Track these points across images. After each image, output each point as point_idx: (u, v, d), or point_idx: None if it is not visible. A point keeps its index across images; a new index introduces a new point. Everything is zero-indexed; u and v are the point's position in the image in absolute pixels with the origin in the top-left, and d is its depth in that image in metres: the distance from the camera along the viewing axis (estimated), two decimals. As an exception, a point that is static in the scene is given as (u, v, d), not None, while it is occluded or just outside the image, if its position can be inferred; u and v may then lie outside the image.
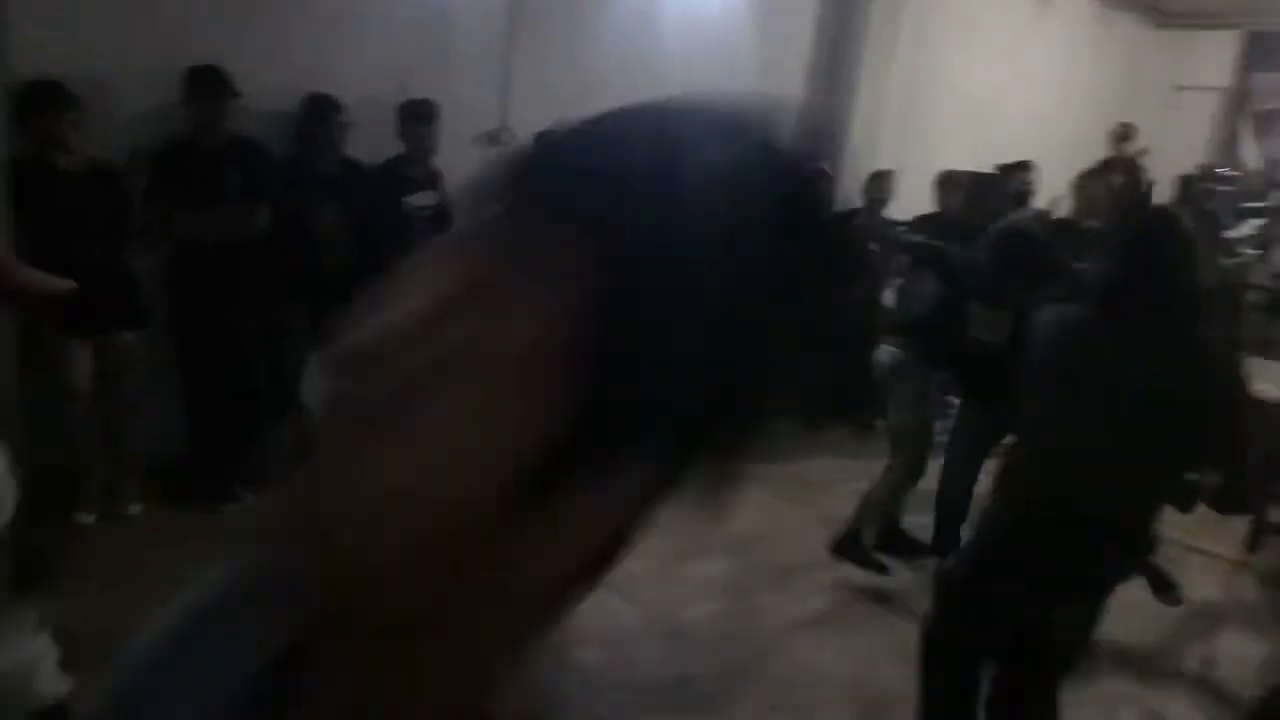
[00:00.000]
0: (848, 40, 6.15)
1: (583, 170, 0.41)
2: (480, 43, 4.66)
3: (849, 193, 6.00)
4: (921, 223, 5.43)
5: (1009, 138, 6.94)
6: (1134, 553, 2.34)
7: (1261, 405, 3.17)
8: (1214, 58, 8.65)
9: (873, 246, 5.37)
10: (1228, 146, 8.58)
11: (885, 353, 3.92)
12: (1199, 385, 2.08)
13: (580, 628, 3.12)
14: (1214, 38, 8.61)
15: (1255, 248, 6.58)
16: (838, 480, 4.98)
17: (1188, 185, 7.36)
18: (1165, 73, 8.96)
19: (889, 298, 5.29)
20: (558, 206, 0.39)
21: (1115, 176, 6.59)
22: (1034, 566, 2.21)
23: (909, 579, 3.83)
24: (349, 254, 3.92)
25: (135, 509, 3.67)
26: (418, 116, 4.19)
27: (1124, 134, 7.42)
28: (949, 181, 5.42)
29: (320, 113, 3.88)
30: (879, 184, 5.62)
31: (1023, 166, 5.72)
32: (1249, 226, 6.71)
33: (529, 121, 4.68)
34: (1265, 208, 6.83)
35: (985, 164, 6.59)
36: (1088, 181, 5.68)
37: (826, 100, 6.22)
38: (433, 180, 4.27)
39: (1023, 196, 5.58)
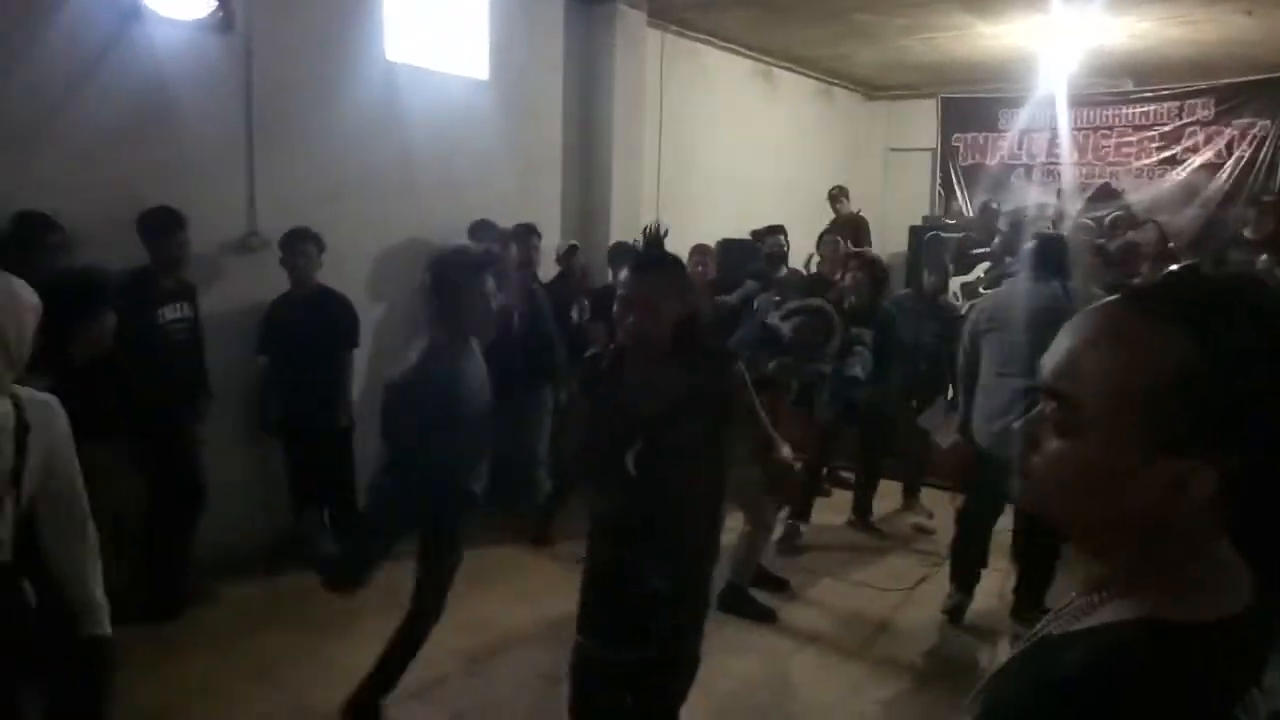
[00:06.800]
0: (597, 128, 6.37)
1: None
2: (218, 150, 4.43)
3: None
4: None
5: (755, 205, 7.42)
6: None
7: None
8: (919, 122, 9.72)
9: None
10: (944, 199, 9.59)
11: None
12: None
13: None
14: (917, 105, 9.70)
15: (987, 288, 7.31)
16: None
17: (918, 236, 8.14)
18: (880, 137, 9.97)
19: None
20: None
21: (844, 233, 7.25)
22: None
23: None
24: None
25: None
26: (162, 226, 3.94)
27: (838, 195, 8.12)
28: (697, 252, 5.80)
29: (30, 231, 3.48)
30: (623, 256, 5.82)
31: (774, 230, 6.09)
32: (979, 270, 7.45)
33: (278, 226, 4.47)
34: (988, 253, 7.61)
35: (739, 230, 7.01)
36: (825, 239, 6.41)
37: (583, 184, 6.39)
38: (186, 292, 4.11)
39: (777, 258, 5.93)
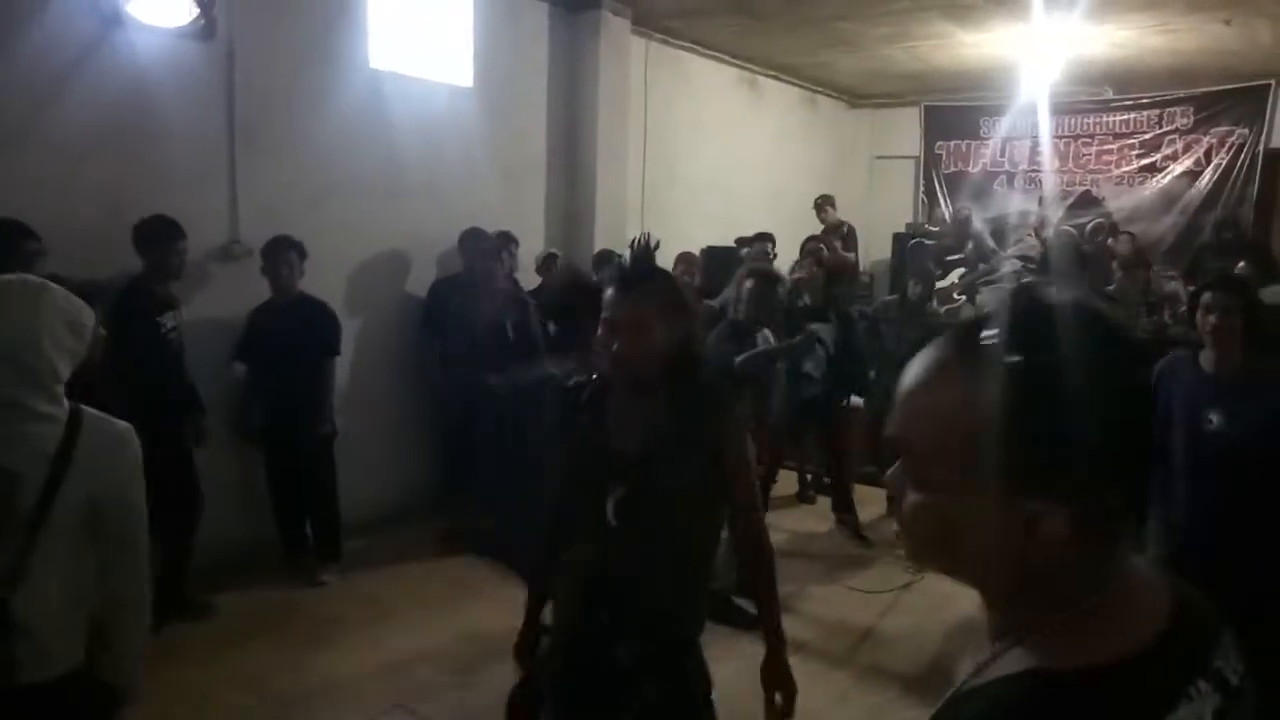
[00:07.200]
0: (581, 135, 6.37)
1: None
2: (200, 158, 4.41)
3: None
4: None
5: (741, 213, 7.44)
6: None
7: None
8: (903, 130, 9.77)
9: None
10: (927, 206, 9.63)
11: None
12: None
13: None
14: (900, 113, 9.75)
15: (960, 293, 7.37)
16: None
17: (902, 243, 8.19)
18: (865, 145, 10.01)
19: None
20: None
21: (832, 240, 7.29)
22: None
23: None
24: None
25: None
26: (163, 234, 3.94)
27: (823, 204, 8.16)
28: (682, 260, 5.91)
29: (8, 238, 3.44)
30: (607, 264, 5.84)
31: (761, 237, 6.12)
32: (954, 275, 7.50)
33: (260, 234, 4.45)
34: (964, 258, 7.67)
35: (724, 238, 7.03)
36: (808, 247, 6.58)
37: (567, 190, 6.39)
38: (174, 302, 4.11)
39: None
